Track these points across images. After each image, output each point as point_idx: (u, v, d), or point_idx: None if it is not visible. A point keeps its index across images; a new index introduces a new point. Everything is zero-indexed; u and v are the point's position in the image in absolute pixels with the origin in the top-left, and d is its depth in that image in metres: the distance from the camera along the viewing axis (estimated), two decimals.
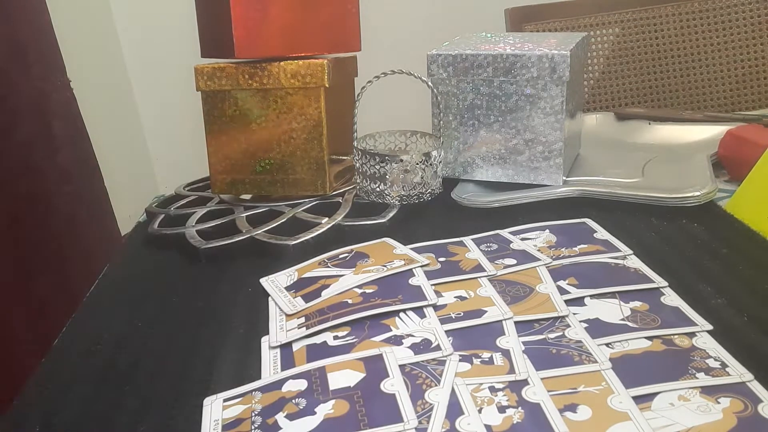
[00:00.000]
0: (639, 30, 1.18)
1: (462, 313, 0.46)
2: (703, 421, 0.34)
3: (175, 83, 1.48)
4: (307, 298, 0.51)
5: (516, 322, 0.45)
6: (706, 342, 0.41)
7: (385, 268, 0.53)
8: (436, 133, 0.71)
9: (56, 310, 1.04)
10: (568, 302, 0.46)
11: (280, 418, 0.38)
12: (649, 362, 0.39)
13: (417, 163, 0.66)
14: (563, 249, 0.55)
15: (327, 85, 0.66)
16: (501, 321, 0.45)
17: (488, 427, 0.35)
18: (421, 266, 0.53)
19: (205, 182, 0.82)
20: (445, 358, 0.41)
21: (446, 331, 0.44)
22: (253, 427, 0.37)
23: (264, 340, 0.47)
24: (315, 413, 0.37)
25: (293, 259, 0.59)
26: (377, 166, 0.66)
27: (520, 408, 0.36)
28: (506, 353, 0.41)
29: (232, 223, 0.67)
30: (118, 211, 1.28)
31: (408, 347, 0.43)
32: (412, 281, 0.51)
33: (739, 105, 1.18)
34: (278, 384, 0.41)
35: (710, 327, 0.42)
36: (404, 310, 0.47)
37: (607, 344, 0.41)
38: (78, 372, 0.46)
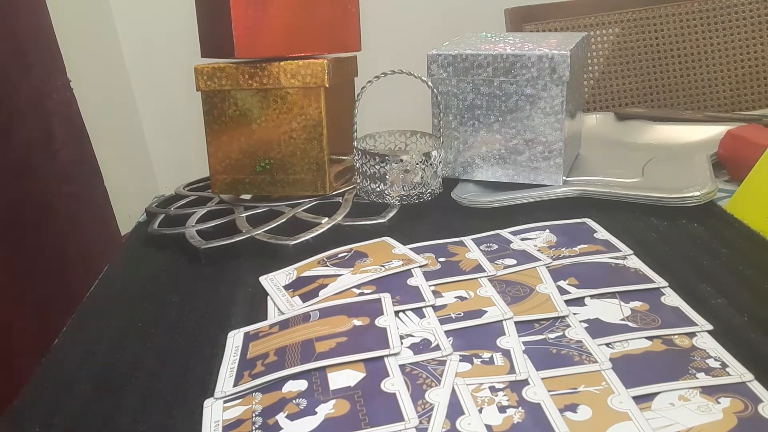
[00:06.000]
0: (639, 30, 1.18)
1: (462, 314, 0.46)
2: (703, 421, 0.34)
3: (175, 83, 1.48)
4: (304, 297, 0.51)
5: (516, 322, 0.45)
6: (706, 342, 0.41)
7: (384, 268, 0.53)
8: (436, 133, 0.71)
9: (56, 310, 1.04)
10: (569, 302, 0.46)
11: (280, 418, 0.38)
12: (649, 362, 0.39)
13: (417, 163, 0.66)
14: (563, 249, 0.55)
15: (327, 85, 0.66)
16: (501, 321, 0.45)
17: (489, 427, 0.35)
18: (420, 266, 0.53)
19: (205, 182, 0.82)
20: (445, 358, 0.41)
21: (446, 332, 0.44)
22: (254, 428, 0.37)
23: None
24: (316, 413, 0.37)
25: (293, 259, 0.59)
26: (377, 166, 0.66)
27: (520, 408, 0.36)
28: (506, 353, 0.41)
29: (232, 223, 0.67)
30: (118, 211, 1.28)
31: (407, 347, 0.43)
32: (411, 281, 0.51)
33: (739, 105, 1.18)
34: (278, 384, 0.41)
35: (710, 327, 0.42)
36: (404, 311, 0.47)
37: (607, 344, 0.41)
38: (78, 372, 0.46)
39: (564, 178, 0.69)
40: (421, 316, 0.46)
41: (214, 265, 0.61)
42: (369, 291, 0.51)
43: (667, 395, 0.36)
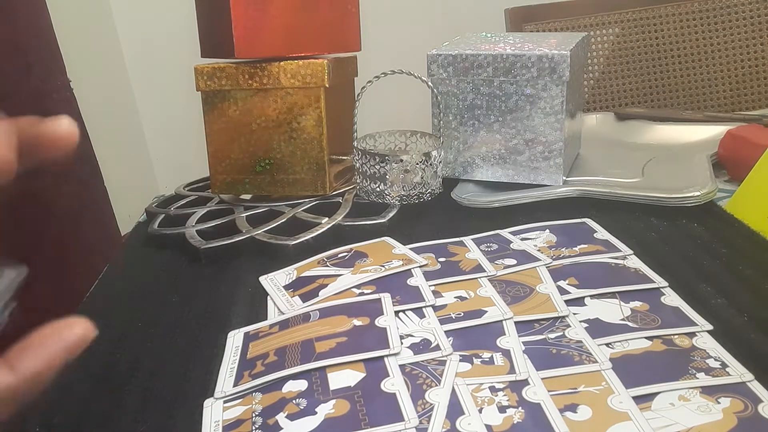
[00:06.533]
0: (639, 30, 1.18)
1: (462, 314, 0.46)
2: (703, 421, 0.34)
3: (175, 83, 1.48)
4: (304, 297, 0.51)
5: (516, 322, 0.45)
6: (706, 342, 0.41)
7: (384, 268, 0.53)
8: (436, 133, 0.71)
9: (56, 310, 1.04)
10: (568, 302, 0.46)
11: (280, 418, 0.38)
12: (649, 362, 0.39)
13: (417, 163, 0.66)
14: (563, 249, 0.55)
15: (327, 85, 0.66)
16: (501, 321, 0.45)
17: (489, 427, 0.35)
18: (420, 266, 0.53)
19: (205, 182, 0.82)
20: (445, 358, 0.41)
21: (446, 332, 0.44)
22: (254, 428, 0.37)
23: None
24: (316, 413, 0.37)
25: (293, 259, 0.59)
26: (377, 166, 0.66)
27: (520, 408, 0.36)
28: (506, 353, 0.41)
29: (232, 223, 0.67)
30: (118, 211, 1.28)
31: (407, 347, 0.43)
32: (411, 281, 0.51)
33: (739, 105, 1.18)
34: (278, 384, 0.41)
35: (710, 327, 0.42)
36: (403, 311, 0.47)
37: (607, 344, 0.41)
38: (78, 372, 0.46)
39: (564, 178, 0.69)
40: (421, 316, 0.46)
41: (214, 265, 0.61)
42: (369, 291, 0.51)
43: (667, 395, 0.36)
